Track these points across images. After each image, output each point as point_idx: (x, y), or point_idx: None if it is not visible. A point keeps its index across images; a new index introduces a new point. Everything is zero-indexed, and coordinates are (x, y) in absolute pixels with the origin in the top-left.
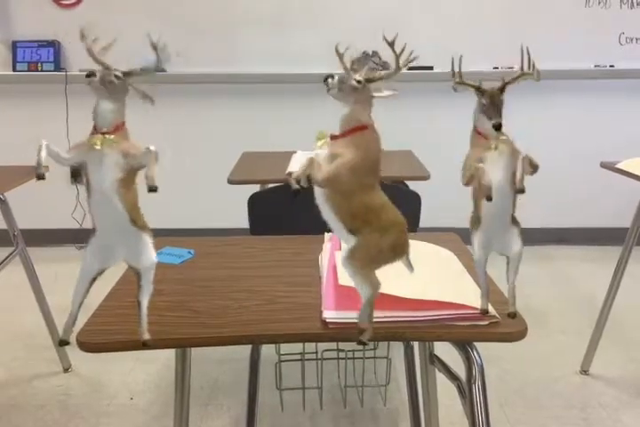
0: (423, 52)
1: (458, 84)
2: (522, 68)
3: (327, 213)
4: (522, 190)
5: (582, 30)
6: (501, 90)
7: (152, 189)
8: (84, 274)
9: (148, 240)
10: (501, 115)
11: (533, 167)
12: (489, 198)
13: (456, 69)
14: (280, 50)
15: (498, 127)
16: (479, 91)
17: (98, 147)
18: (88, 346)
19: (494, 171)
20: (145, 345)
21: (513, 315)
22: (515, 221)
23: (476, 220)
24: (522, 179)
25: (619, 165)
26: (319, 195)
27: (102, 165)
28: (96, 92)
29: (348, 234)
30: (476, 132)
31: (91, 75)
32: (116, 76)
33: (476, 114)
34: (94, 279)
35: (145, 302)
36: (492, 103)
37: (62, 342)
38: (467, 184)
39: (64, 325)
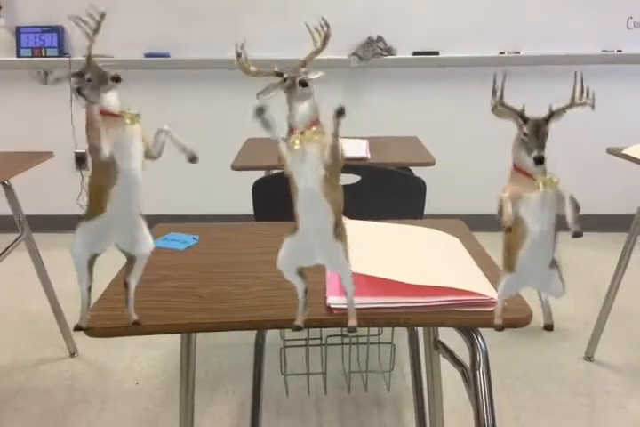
0: (428, 37)
1: (499, 107)
2: (573, 97)
3: (325, 211)
4: (578, 234)
5: (589, 14)
6: (547, 120)
7: (193, 159)
8: (79, 261)
9: (146, 227)
10: (544, 147)
11: (576, 206)
12: (507, 229)
13: (498, 88)
14: (283, 35)
15: (539, 161)
16: (522, 118)
17: (128, 122)
18: (94, 331)
19: (536, 216)
20: (136, 324)
21: (550, 327)
22: (553, 265)
23: (508, 266)
24: (575, 221)
25: (625, 151)
26: (318, 189)
27: (133, 143)
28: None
29: (333, 237)
30: (515, 168)
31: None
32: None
33: (515, 147)
34: (92, 263)
35: (134, 284)
36: (534, 134)
37: (77, 328)
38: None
39: (80, 312)
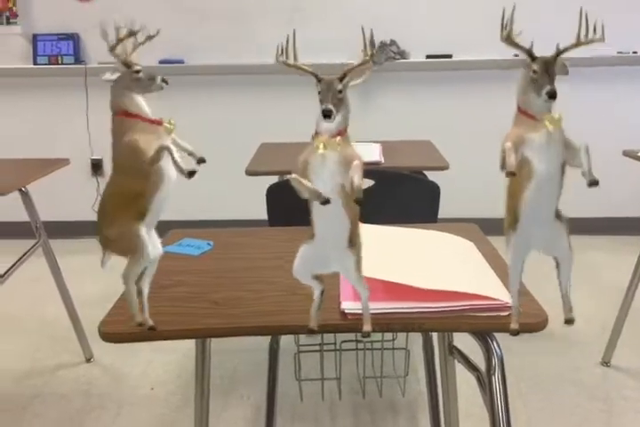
0: (441, 40)
1: (507, 42)
2: (578, 36)
3: (341, 220)
4: (595, 182)
5: (604, 16)
6: (555, 58)
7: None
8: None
9: (155, 231)
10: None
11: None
12: (508, 174)
13: (506, 26)
14: (297, 40)
15: (552, 95)
16: (530, 56)
17: (170, 132)
18: (110, 337)
19: (541, 157)
20: (151, 329)
21: (571, 321)
22: (559, 216)
23: (511, 218)
24: (590, 170)
25: None
26: (335, 196)
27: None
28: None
29: (347, 246)
30: (520, 111)
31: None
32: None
33: (521, 89)
34: None
35: (146, 290)
36: (545, 70)
37: (140, 324)
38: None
39: (132, 311)
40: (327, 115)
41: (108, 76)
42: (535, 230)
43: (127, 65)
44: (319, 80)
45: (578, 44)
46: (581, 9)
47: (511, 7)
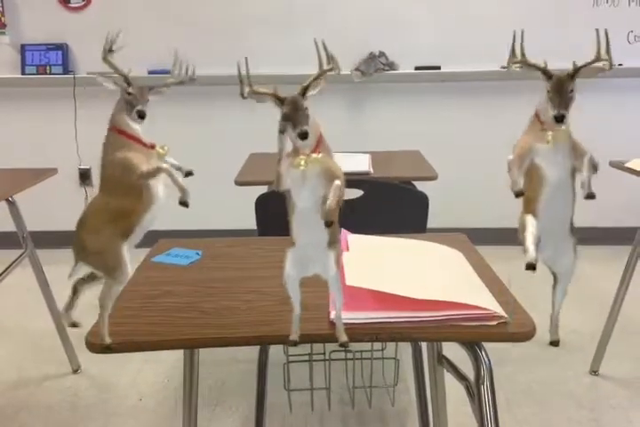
0: (430, 51)
1: (521, 64)
2: (598, 53)
3: (321, 230)
4: (591, 196)
5: (590, 29)
6: (572, 76)
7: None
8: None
9: None
10: (567, 106)
11: (593, 167)
12: (516, 194)
13: (517, 46)
14: (287, 51)
15: (559, 119)
16: (545, 74)
17: (161, 155)
18: (97, 347)
19: (549, 166)
20: (107, 348)
21: (556, 343)
22: (573, 232)
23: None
24: (589, 182)
25: (628, 164)
26: (315, 211)
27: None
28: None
29: (327, 247)
30: (536, 117)
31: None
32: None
33: (544, 99)
34: None
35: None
36: (558, 91)
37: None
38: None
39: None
40: (305, 137)
41: (110, 86)
42: (550, 238)
43: (127, 82)
44: (281, 100)
45: (596, 60)
46: (597, 31)
47: (519, 30)
